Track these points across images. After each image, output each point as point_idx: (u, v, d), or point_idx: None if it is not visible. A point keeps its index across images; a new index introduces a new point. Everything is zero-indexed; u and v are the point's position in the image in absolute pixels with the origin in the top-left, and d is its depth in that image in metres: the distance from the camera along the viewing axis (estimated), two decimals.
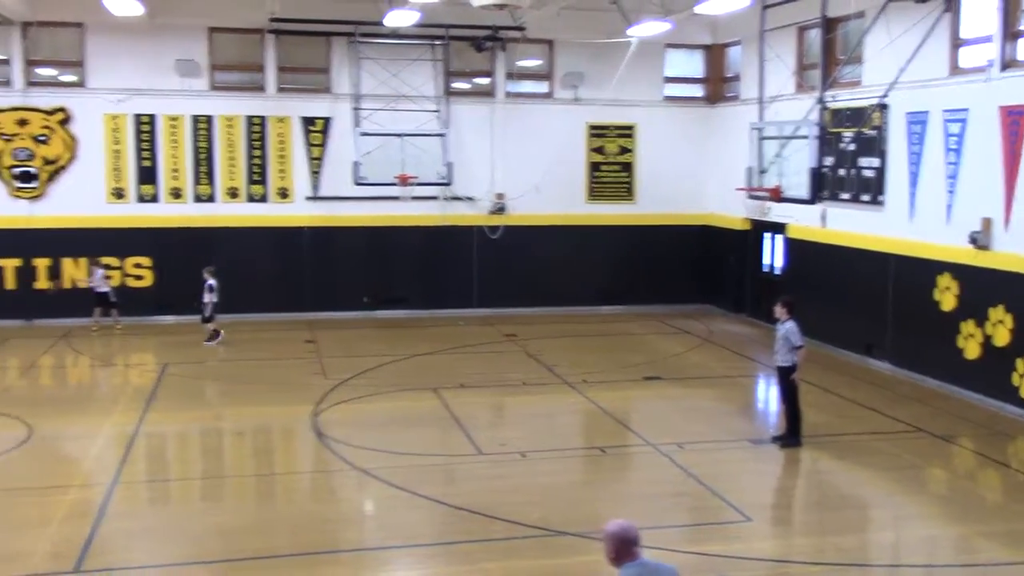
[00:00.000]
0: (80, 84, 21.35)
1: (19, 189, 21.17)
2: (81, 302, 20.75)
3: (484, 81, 23.27)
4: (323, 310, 22.32)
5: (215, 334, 19.54)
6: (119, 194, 21.55)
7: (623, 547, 5.71)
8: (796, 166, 18.92)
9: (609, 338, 21.04)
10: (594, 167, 23.76)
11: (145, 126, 21.52)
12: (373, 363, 17.99)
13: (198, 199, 21.84)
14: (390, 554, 9.99)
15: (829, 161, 18.66)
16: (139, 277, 21.72)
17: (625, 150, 23.87)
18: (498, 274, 23.14)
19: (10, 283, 21.16)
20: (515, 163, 22.94)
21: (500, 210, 23.00)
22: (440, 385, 16.31)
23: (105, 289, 20.78)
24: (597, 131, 23.68)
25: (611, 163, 23.84)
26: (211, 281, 19.51)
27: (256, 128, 22.00)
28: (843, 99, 18.26)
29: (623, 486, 12.34)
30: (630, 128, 23.82)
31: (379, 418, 14.76)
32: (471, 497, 11.17)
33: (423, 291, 23.00)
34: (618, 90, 22.75)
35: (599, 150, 23.75)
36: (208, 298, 19.47)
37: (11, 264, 21.14)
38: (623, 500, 11.61)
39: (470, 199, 22.77)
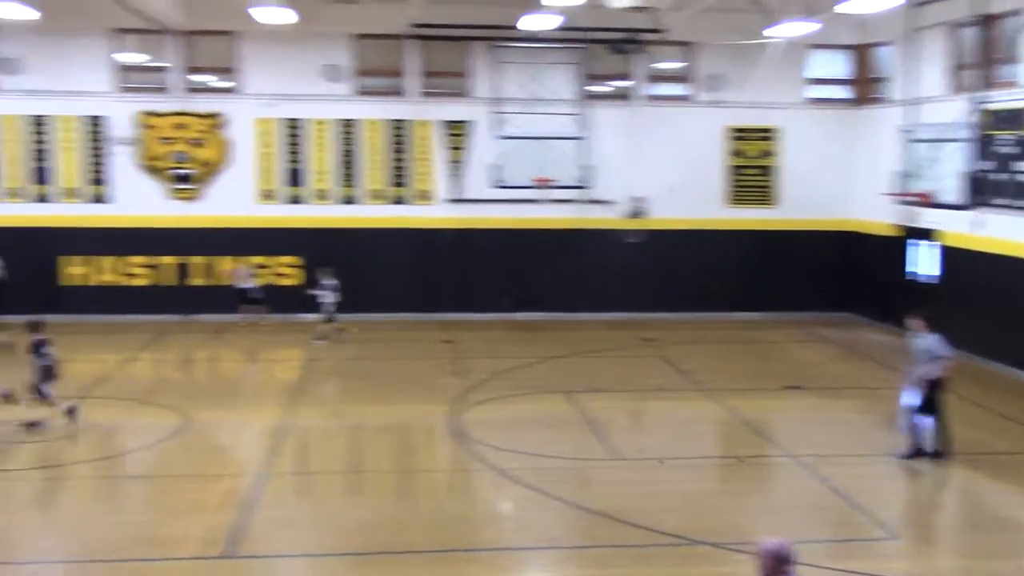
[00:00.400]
0: (233, 90, 22.32)
1: (176, 190, 22.28)
2: (234, 299, 21.70)
3: (622, 84, 23.20)
4: (460, 311, 22.68)
5: (335, 333, 19.98)
6: (268, 195, 22.44)
7: (776, 565, 5.74)
8: (948, 170, 18.22)
9: (748, 345, 20.67)
10: (733, 171, 23.38)
11: (293, 130, 22.35)
12: (508, 365, 18.17)
13: (343, 200, 22.54)
14: (525, 555, 10.09)
15: (984, 165, 17.86)
16: (288, 275, 22.56)
17: (766, 153, 23.40)
18: (635, 278, 23.00)
19: (169, 279, 22.32)
20: (652, 166, 22.76)
21: (639, 214, 22.80)
22: (575, 389, 16.34)
23: (248, 286, 21.66)
24: (736, 134, 23.29)
25: (751, 167, 23.40)
26: (330, 281, 20.07)
27: (398, 132, 22.54)
28: (1000, 100, 17.44)
29: (762, 497, 12.09)
30: (770, 131, 23.33)
31: (515, 419, 14.90)
32: (606, 501, 11.16)
33: (559, 294, 23.08)
34: (758, 92, 22.38)
35: (738, 153, 23.35)
36: (332, 298, 20.01)
37: (170, 262, 22.31)
38: (762, 511, 11.39)
39: (608, 203, 22.68)
